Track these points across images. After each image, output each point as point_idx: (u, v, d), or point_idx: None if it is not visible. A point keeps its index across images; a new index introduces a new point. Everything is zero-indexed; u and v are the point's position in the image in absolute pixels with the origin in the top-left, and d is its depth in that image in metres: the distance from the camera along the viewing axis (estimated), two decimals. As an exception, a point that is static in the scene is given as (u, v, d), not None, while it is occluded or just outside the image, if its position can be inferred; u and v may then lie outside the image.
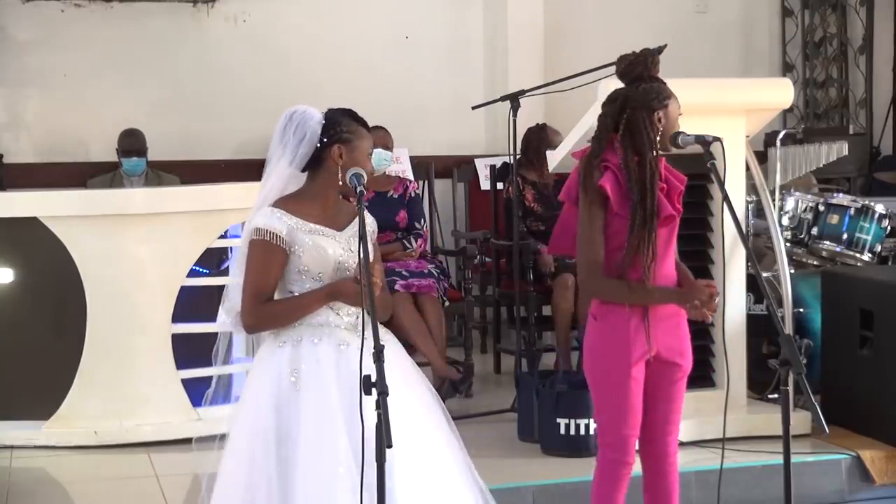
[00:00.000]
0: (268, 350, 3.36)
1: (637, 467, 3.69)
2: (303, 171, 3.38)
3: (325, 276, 3.32)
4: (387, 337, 3.36)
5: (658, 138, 3.56)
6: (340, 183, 3.35)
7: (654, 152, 3.55)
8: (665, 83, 3.62)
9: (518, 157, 6.44)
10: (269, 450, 3.21)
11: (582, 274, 3.65)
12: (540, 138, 6.74)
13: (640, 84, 3.59)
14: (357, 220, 3.32)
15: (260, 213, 3.36)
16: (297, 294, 3.34)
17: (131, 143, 7.33)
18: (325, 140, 3.35)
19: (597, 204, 3.55)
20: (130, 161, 7.31)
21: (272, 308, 3.34)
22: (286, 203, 3.36)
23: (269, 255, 3.31)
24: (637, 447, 3.67)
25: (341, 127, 3.37)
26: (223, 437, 3.37)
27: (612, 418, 3.61)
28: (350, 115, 3.42)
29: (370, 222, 3.42)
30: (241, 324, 3.37)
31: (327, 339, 3.30)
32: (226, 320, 3.46)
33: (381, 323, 3.39)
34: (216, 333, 5.59)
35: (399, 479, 3.16)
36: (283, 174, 3.38)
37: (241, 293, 3.35)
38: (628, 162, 3.53)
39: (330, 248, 3.33)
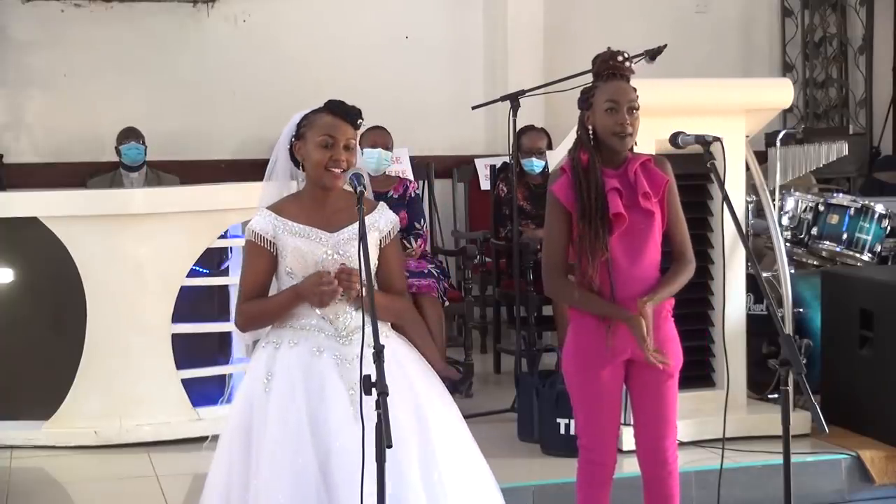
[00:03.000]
0: (257, 349, 3.37)
1: (636, 467, 3.69)
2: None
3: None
4: (389, 336, 3.36)
5: (591, 136, 3.55)
6: (313, 179, 3.31)
7: (589, 154, 3.54)
8: (610, 82, 3.55)
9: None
10: (242, 447, 3.22)
11: (542, 276, 3.67)
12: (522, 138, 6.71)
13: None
14: (367, 219, 3.29)
15: (257, 214, 3.36)
16: None
17: (128, 132, 7.35)
18: (294, 138, 3.36)
19: (555, 208, 3.58)
20: (129, 146, 7.30)
21: (250, 307, 3.33)
22: (281, 204, 3.35)
23: (255, 255, 3.32)
24: (636, 450, 3.66)
25: (302, 122, 3.35)
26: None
27: (586, 419, 3.62)
28: (326, 106, 3.36)
29: (392, 220, 3.40)
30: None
31: (304, 342, 3.27)
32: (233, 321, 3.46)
33: (391, 325, 3.41)
34: (216, 333, 5.65)
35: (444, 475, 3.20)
36: (278, 175, 3.39)
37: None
38: (574, 163, 3.56)
39: (309, 251, 3.28)
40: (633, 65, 3.59)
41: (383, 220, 3.40)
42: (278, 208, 3.34)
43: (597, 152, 3.55)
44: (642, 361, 3.54)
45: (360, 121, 3.36)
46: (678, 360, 3.62)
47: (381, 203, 3.47)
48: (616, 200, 3.50)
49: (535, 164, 6.70)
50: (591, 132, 3.56)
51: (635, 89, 3.57)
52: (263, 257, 3.31)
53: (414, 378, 3.34)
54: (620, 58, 3.57)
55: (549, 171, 6.04)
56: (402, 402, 3.22)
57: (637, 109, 3.53)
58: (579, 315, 3.59)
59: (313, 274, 3.25)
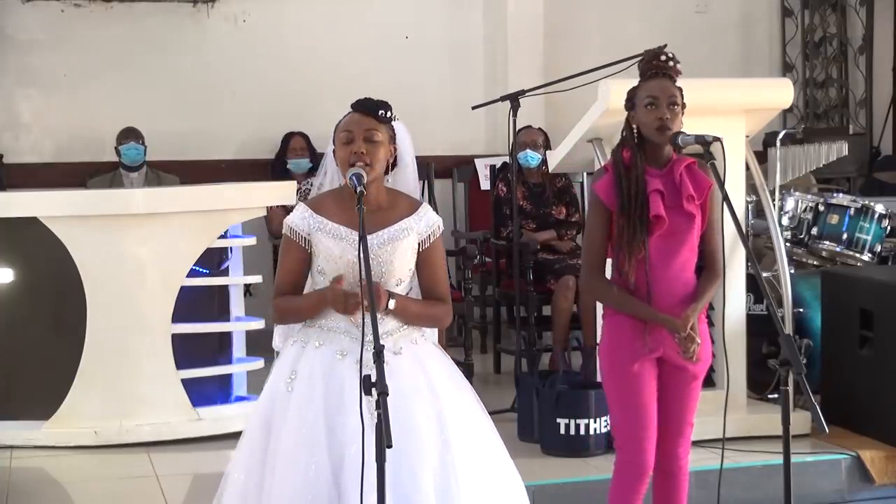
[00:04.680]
0: (286, 346, 3.36)
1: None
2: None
3: None
4: (418, 343, 3.32)
5: (636, 135, 3.59)
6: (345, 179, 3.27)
7: (631, 152, 3.57)
8: (651, 80, 3.62)
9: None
10: (261, 442, 3.22)
11: (581, 275, 3.69)
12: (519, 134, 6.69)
13: None
14: (405, 221, 3.27)
15: (295, 209, 3.34)
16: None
17: (128, 132, 7.35)
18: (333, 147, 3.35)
19: (596, 206, 3.60)
20: (128, 146, 7.30)
21: (281, 303, 3.31)
22: (320, 200, 3.32)
23: (289, 251, 3.30)
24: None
25: (335, 128, 3.33)
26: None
27: (624, 419, 3.63)
28: (351, 105, 3.33)
29: (434, 222, 3.31)
30: None
31: (329, 344, 3.24)
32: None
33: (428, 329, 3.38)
34: (216, 333, 5.65)
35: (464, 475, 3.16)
36: (328, 173, 3.37)
37: None
38: (616, 164, 3.59)
39: (340, 253, 3.23)
40: (678, 64, 3.65)
41: (424, 222, 3.31)
42: (316, 205, 3.30)
43: (640, 151, 3.58)
44: (672, 361, 3.57)
45: (383, 111, 3.25)
46: (707, 360, 3.66)
47: (424, 204, 3.37)
48: (658, 202, 3.52)
49: (531, 157, 6.69)
50: (635, 131, 3.60)
51: (680, 88, 3.62)
52: (298, 253, 3.28)
53: (439, 384, 3.27)
54: (663, 57, 3.63)
55: (549, 169, 6.05)
56: (424, 408, 3.20)
57: (677, 105, 3.57)
58: (614, 312, 3.61)
59: (333, 284, 3.19)
